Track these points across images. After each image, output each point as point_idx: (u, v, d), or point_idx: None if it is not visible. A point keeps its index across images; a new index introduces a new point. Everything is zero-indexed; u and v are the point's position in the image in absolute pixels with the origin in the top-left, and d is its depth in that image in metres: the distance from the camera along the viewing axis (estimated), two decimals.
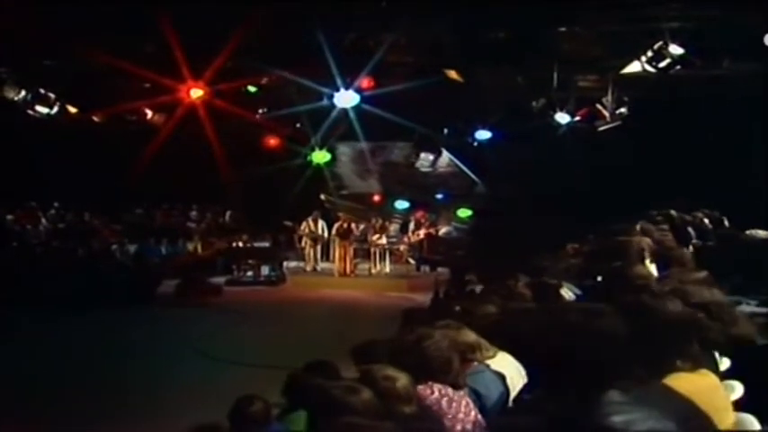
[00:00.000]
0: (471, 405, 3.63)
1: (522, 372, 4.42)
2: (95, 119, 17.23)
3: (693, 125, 15.04)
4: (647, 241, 5.47)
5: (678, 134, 15.51)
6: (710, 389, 2.51)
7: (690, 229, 9.78)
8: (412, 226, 21.30)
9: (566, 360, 2.01)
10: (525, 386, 4.34)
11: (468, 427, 3.49)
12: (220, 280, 18.69)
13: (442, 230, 22.15)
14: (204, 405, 8.24)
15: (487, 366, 4.15)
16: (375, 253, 20.22)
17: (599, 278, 5.77)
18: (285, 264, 20.84)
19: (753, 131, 14.01)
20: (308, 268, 20.51)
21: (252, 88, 15.16)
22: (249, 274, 19.71)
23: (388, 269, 20.35)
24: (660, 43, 12.17)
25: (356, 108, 15.24)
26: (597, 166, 17.25)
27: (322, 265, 20.73)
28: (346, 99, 14.60)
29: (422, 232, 20.62)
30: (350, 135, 18.93)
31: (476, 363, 4.09)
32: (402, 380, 3.18)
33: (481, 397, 3.86)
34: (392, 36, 12.60)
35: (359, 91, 14.47)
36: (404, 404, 3.12)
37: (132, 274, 16.10)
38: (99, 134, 17.61)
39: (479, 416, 3.61)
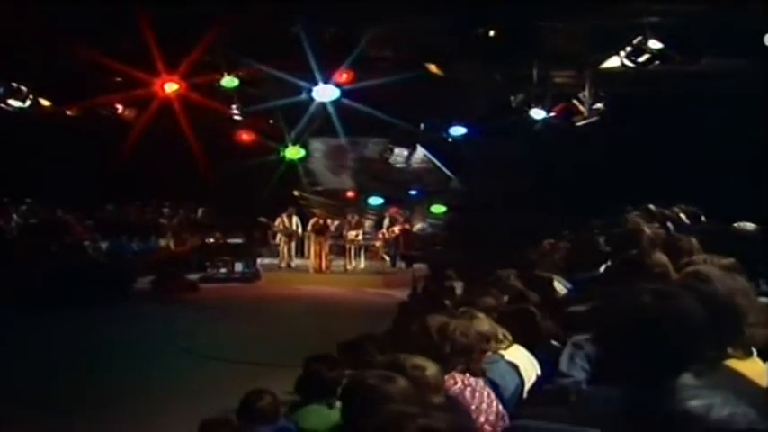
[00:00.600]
0: (493, 395, 3.58)
1: (535, 363, 4.39)
2: (69, 113, 16.90)
3: (671, 121, 15.13)
4: (654, 231, 5.46)
5: (655, 130, 15.60)
6: (760, 375, 2.47)
7: (669, 224, 9.83)
8: (386, 222, 21.22)
9: (641, 344, 1.95)
10: (538, 378, 4.31)
11: (492, 417, 3.43)
12: (194, 277, 18.48)
13: (417, 227, 22.14)
14: (187, 401, 8.22)
15: (502, 356, 4.10)
16: (350, 249, 20.14)
17: (601, 269, 5.74)
18: (259, 260, 20.69)
19: (731, 128, 14.13)
20: (283, 265, 20.35)
21: (232, 82, 14.85)
22: (223, 270, 19.55)
23: (363, 265, 20.31)
24: (639, 38, 12.20)
25: (335, 102, 15.09)
26: (573, 163, 17.32)
27: (296, 262, 20.59)
28: (326, 93, 14.45)
29: (397, 228, 20.55)
30: (327, 130, 18.80)
31: (490, 353, 4.03)
32: (431, 368, 3.10)
33: (498, 387, 3.80)
34: (373, 30, 12.49)
35: (338, 85, 14.31)
36: (433, 394, 3.05)
37: (107, 270, 15.83)
38: (72, 129, 17.28)
39: (500, 406, 3.56)
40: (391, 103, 15.06)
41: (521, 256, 9.92)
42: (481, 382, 3.60)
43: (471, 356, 3.62)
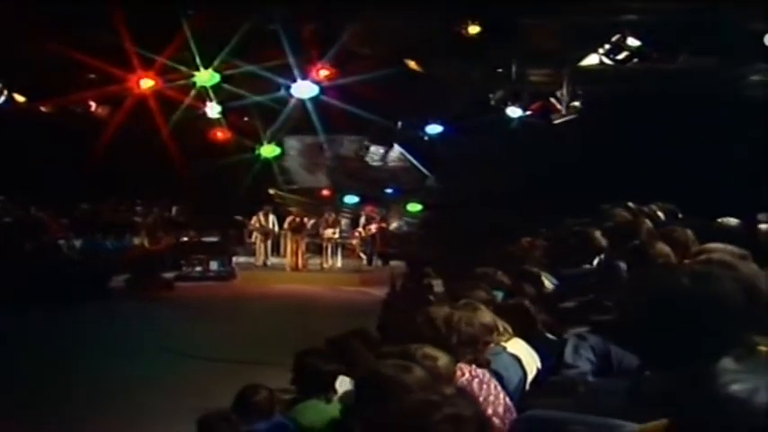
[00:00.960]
0: (499, 387, 3.54)
1: (535, 356, 4.36)
2: (44, 109, 16.64)
3: (646, 120, 15.25)
4: (648, 223, 5.47)
5: (630, 129, 15.72)
6: None
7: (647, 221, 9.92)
8: (362, 221, 21.16)
9: (680, 328, 1.91)
10: (538, 371, 4.29)
11: (500, 409, 3.39)
12: (169, 275, 18.30)
13: (393, 225, 22.13)
14: (166, 398, 8.18)
15: (504, 349, 4.07)
16: (327, 247, 20.07)
17: (593, 262, 5.74)
18: (234, 259, 20.52)
19: (708, 126, 14.28)
20: (259, 263, 20.20)
21: (209, 79, 14.67)
22: (198, 269, 19.35)
23: (339, 263, 20.23)
24: (618, 36, 12.28)
25: (314, 99, 14.98)
26: (549, 161, 17.40)
27: (272, 260, 20.45)
28: (304, 90, 14.34)
29: (373, 227, 20.51)
30: (305, 128, 18.70)
31: (492, 345, 3.99)
32: (443, 359, 3.06)
33: (503, 379, 3.77)
34: (352, 26, 12.43)
35: (317, 82, 14.21)
36: (446, 385, 3.00)
37: (83, 268, 15.64)
38: (47, 125, 17.01)
39: (507, 398, 3.52)
40: (370, 101, 14.99)
41: (499, 253, 9.94)
42: (488, 373, 3.57)
43: (477, 347, 3.59)
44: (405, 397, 2.38)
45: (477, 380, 3.44)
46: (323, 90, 14.41)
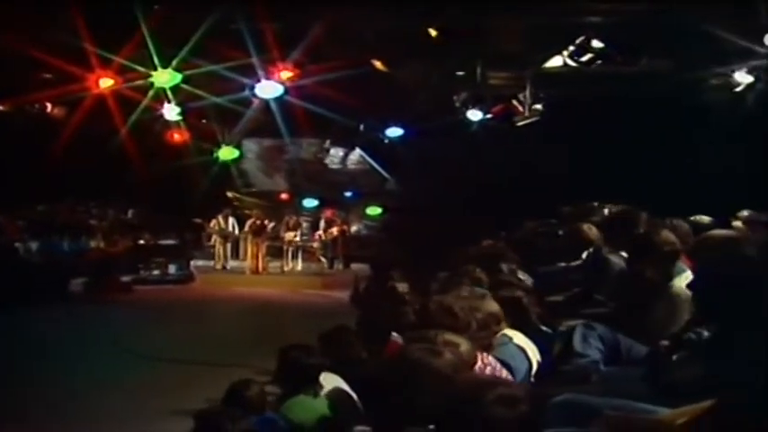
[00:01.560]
0: (510, 377, 3.50)
1: (535, 347, 4.34)
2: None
3: (608, 122, 15.44)
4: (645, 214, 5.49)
5: (591, 132, 15.88)
6: None
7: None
8: (322, 224, 21.04)
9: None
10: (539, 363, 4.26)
11: None
12: (126, 278, 17.98)
13: (353, 228, 22.08)
14: (128, 401, 7.99)
15: (510, 339, 4.03)
16: (288, 251, 19.91)
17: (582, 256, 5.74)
18: (192, 262, 20.23)
19: (668, 128, 14.52)
20: (218, 266, 19.97)
21: (170, 79, 14.36)
22: (156, 272, 19.03)
23: (300, 267, 20.08)
24: (582, 38, 12.39)
25: (278, 99, 14.79)
26: (509, 164, 17.52)
27: (232, 264, 20.21)
28: (269, 90, 14.15)
29: (335, 230, 20.42)
30: (266, 129, 18.52)
31: (499, 334, 3.95)
32: (464, 345, 3.00)
33: (511, 369, 3.73)
34: (319, 25, 12.30)
35: (281, 82, 14.03)
36: (466, 371, 2.94)
37: (41, 271, 15.30)
38: (1, 125, 16.56)
39: None
40: (335, 101, 14.87)
41: (473, 252, 9.93)
42: (498, 362, 3.53)
43: (488, 335, 3.55)
44: (434, 382, 2.33)
45: (489, 368, 3.39)
46: (287, 90, 14.23)
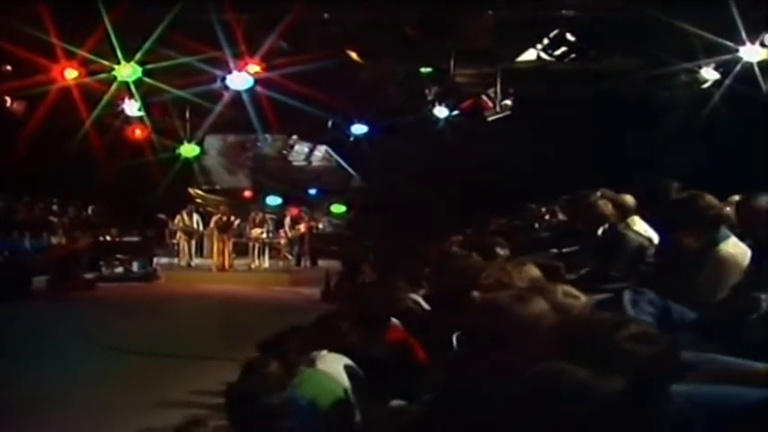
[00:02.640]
0: None
1: None
2: None
3: (574, 120, 15.60)
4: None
5: (558, 129, 16.03)
6: None
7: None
8: (288, 221, 20.88)
9: None
10: None
11: None
12: (90, 275, 17.63)
13: (319, 226, 21.99)
14: (100, 396, 7.83)
15: None
16: (254, 247, 19.72)
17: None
18: (156, 260, 19.89)
19: (637, 124, 14.71)
20: (183, 263, 19.70)
21: (131, 73, 14.04)
22: (119, 269, 18.69)
23: (267, 264, 19.91)
24: (556, 32, 12.47)
25: (249, 91, 14.58)
26: (475, 161, 17.60)
27: (196, 261, 19.94)
28: (239, 81, 13.94)
29: (302, 227, 20.29)
30: (236, 123, 18.27)
31: None
32: (583, 299, 2.80)
33: None
34: (292, 15, 12.17)
35: (252, 74, 13.83)
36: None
37: (3, 268, 14.93)
38: None
39: None
40: (306, 95, 14.70)
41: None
42: None
43: None
44: (521, 335, 2.25)
45: None
46: (257, 82, 14.04)
